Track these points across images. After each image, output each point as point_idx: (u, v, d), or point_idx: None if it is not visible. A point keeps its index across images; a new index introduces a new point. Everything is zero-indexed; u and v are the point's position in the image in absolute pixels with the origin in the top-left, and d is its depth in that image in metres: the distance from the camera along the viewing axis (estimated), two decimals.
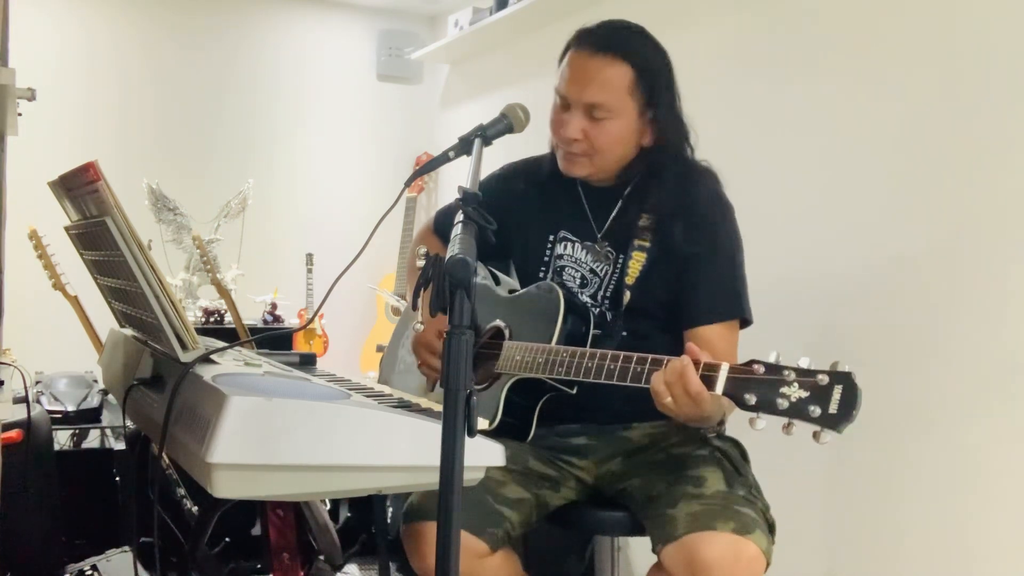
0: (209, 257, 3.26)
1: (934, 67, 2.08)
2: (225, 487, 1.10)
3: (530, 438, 1.67)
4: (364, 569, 2.70)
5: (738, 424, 1.41)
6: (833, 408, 1.19)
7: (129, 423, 1.72)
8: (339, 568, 1.96)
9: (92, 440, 2.89)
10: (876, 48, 2.22)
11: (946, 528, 2.02)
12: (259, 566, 2.30)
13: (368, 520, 2.74)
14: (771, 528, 1.51)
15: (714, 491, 1.52)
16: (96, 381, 2.87)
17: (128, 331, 1.85)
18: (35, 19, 3.75)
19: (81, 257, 1.80)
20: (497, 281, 1.90)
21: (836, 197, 2.31)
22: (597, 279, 1.77)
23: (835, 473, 2.29)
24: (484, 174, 1.79)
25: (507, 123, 1.53)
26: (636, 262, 1.70)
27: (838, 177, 2.30)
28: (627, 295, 1.70)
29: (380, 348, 3.04)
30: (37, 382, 2.90)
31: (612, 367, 1.45)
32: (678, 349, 1.40)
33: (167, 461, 2.36)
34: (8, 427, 2.08)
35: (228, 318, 3.37)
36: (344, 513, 2.81)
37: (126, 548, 2.53)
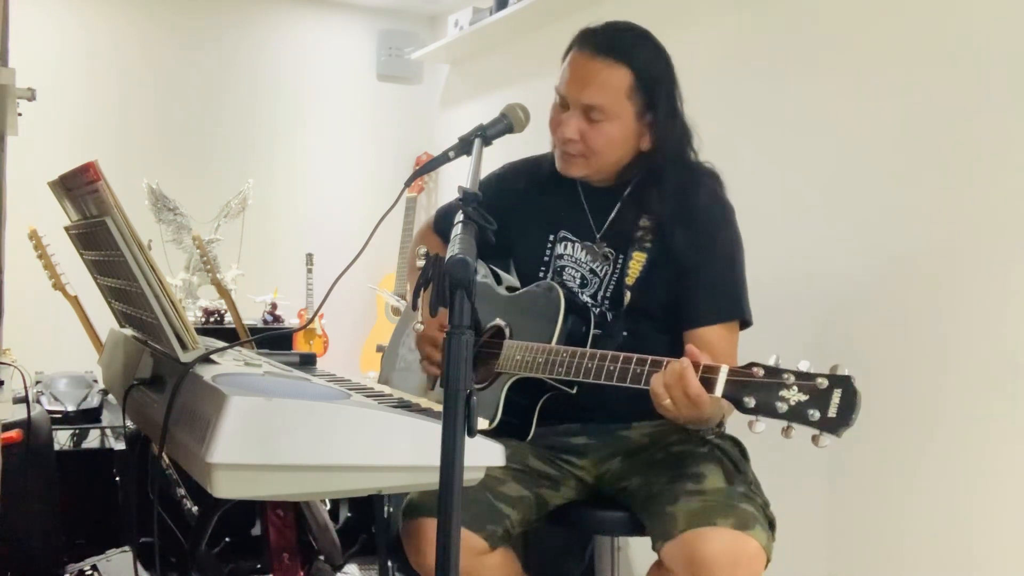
0: (209, 257, 3.26)
1: (934, 67, 2.08)
2: (225, 487, 1.10)
3: (530, 437, 1.67)
4: (364, 569, 2.70)
5: (738, 424, 1.41)
6: (832, 412, 1.19)
7: (129, 423, 1.72)
8: (339, 568, 1.96)
9: (92, 440, 2.88)
10: (876, 48, 2.22)
11: (947, 528, 2.02)
12: (259, 566, 2.29)
13: (368, 520, 2.74)
14: (771, 524, 1.51)
15: (714, 488, 1.52)
16: (96, 381, 2.87)
17: (128, 331, 1.85)
18: (35, 19, 3.74)
19: (81, 257, 1.80)
20: (498, 279, 1.90)
21: (836, 197, 2.31)
22: (597, 279, 1.76)
23: (836, 473, 2.29)
24: (484, 174, 1.79)
25: (507, 123, 1.53)
26: (636, 263, 1.70)
27: (838, 177, 2.30)
28: (627, 295, 1.70)
29: (380, 348, 3.04)
30: (37, 382, 2.90)
31: (612, 368, 1.45)
32: (678, 350, 1.41)
33: (167, 461, 2.36)
34: (8, 427, 2.08)
35: (228, 318, 3.37)
36: (344, 513, 2.81)
37: (126, 548, 2.53)
